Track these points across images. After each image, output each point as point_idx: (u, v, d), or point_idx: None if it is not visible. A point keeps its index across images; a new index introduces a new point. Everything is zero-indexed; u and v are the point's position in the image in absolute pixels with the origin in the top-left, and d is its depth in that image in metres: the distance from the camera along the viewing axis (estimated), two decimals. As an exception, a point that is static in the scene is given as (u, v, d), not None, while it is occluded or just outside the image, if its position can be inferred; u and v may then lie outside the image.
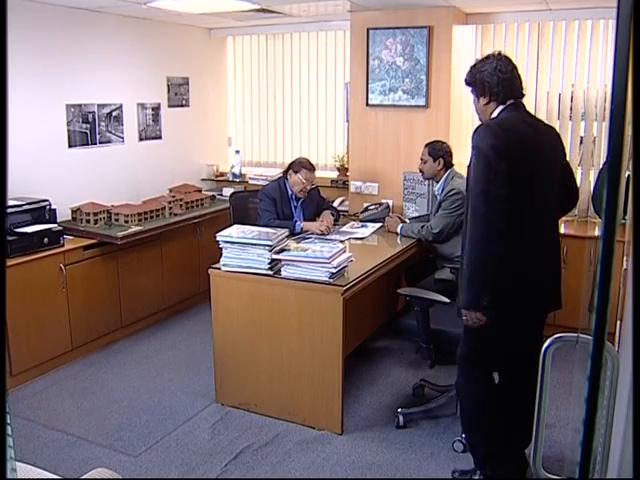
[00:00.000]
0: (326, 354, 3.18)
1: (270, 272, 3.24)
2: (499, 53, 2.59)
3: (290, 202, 4.20)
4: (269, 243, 3.22)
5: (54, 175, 4.36)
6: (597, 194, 2.82)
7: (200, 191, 5.38)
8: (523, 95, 2.59)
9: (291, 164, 4.17)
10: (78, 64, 4.50)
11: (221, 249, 3.36)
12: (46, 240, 3.86)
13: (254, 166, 5.98)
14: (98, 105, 4.68)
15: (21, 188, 3.99)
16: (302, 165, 4.10)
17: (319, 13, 4.81)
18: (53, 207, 4.04)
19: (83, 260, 4.11)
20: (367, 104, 4.78)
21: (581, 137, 4.59)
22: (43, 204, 3.98)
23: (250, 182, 5.62)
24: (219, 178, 5.87)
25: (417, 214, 4.43)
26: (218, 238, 3.34)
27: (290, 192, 4.18)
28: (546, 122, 2.80)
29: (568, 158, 2.82)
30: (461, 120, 4.70)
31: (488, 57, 2.57)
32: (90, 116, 4.62)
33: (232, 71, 5.98)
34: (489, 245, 2.32)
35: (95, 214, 4.35)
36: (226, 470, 2.95)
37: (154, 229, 4.48)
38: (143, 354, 4.27)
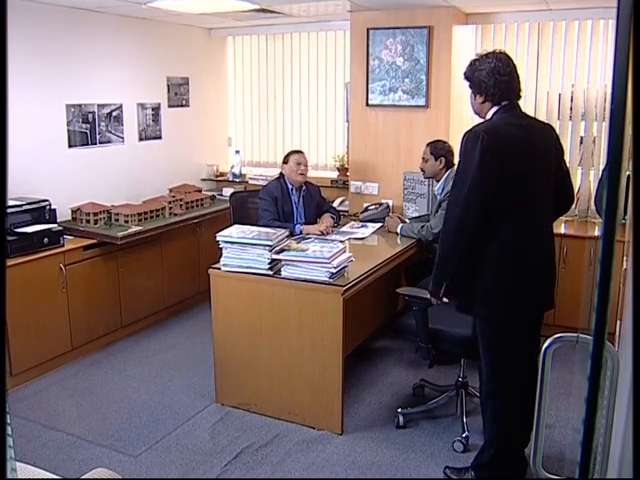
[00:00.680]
0: (326, 354, 3.18)
1: (270, 272, 3.24)
2: (499, 52, 2.58)
3: (291, 198, 4.23)
4: (269, 243, 3.22)
5: (54, 175, 4.36)
6: (599, 195, 2.83)
7: (200, 191, 5.38)
8: (520, 96, 2.59)
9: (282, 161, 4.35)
10: (78, 64, 4.50)
11: (221, 249, 3.36)
12: (46, 240, 3.86)
13: (254, 166, 5.98)
14: (98, 105, 4.68)
15: (21, 188, 3.99)
16: (288, 153, 4.30)
17: (319, 13, 4.81)
18: (53, 207, 4.04)
19: (83, 260, 4.11)
20: (367, 104, 4.78)
21: (581, 137, 4.59)
22: (43, 204, 3.98)
23: (250, 182, 5.63)
24: (219, 178, 5.87)
25: (417, 214, 4.43)
26: (218, 238, 3.34)
27: (290, 186, 4.22)
28: (545, 122, 2.80)
29: (568, 159, 2.82)
30: (461, 120, 4.70)
31: (488, 55, 2.57)
32: (90, 116, 4.62)
33: (232, 71, 5.98)
34: (454, 248, 2.49)
35: (95, 214, 4.35)
36: (226, 470, 2.95)
37: (154, 229, 4.48)
38: (143, 354, 4.27)
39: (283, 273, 3.22)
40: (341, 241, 3.83)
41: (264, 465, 2.99)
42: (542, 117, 4.49)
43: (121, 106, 4.89)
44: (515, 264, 2.47)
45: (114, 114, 4.83)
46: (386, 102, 4.71)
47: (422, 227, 3.96)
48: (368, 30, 4.65)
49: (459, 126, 4.69)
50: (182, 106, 5.52)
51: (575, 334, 1.59)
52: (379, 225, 4.35)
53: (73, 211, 4.42)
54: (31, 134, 4.18)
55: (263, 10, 4.47)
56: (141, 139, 5.13)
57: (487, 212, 2.41)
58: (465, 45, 4.66)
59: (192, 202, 5.04)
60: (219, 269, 3.39)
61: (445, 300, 2.66)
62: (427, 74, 4.52)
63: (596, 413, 1.03)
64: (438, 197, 3.96)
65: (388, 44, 4.62)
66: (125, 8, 4.41)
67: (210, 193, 5.35)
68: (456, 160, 4.02)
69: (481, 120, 2.63)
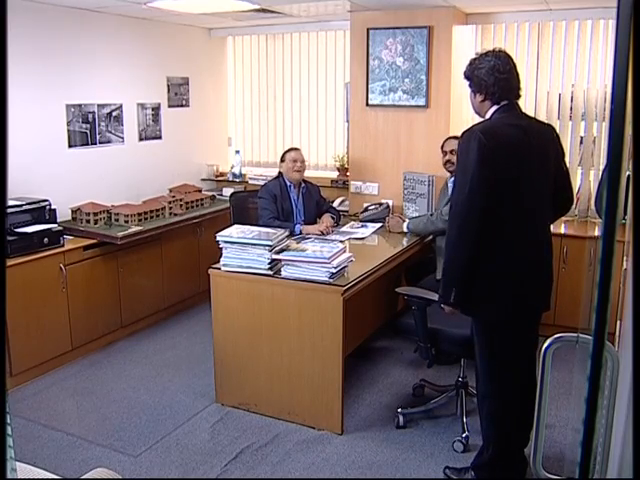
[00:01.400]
0: (326, 354, 3.18)
1: (270, 272, 3.25)
2: (499, 51, 2.58)
3: (290, 197, 4.24)
4: (269, 243, 3.22)
5: (54, 175, 4.36)
6: (599, 196, 2.82)
7: (200, 191, 5.38)
8: (519, 96, 2.58)
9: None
10: (78, 64, 4.50)
11: (221, 249, 3.36)
12: (46, 240, 3.86)
13: (254, 166, 5.98)
14: (98, 105, 4.68)
15: (21, 188, 3.99)
16: (285, 151, 4.32)
17: (319, 13, 4.81)
18: (53, 207, 4.04)
19: (83, 260, 4.11)
20: (367, 104, 4.78)
21: (581, 137, 4.59)
22: (43, 204, 3.98)
23: (250, 182, 5.63)
24: (219, 178, 5.87)
25: (417, 214, 4.42)
26: (218, 238, 3.34)
27: (289, 184, 4.23)
28: (546, 122, 2.80)
29: (568, 159, 2.81)
30: (461, 120, 4.70)
31: (487, 54, 2.57)
32: (90, 116, 4.62)
33: (232, 71, 5.98)
34: (459, 251, 2.47)
35: (95, 214, 4.35)
36: (226, 470, 2.95)
37: (154, 229, 4.48)
38: (143, 354, 4.27)
39: (283, 273, 3.22)
40: (341, 241, 3.83)
41: (264, 465, 2.99)
42: (542, 117, 4.49)
43: (121, 106, 4.89)
44: (511, 264, 2.46)
45: (114, 114, 4.83)
46: (386, 102, 4.71)
47: (431, 215, 3.91)
48: (368, 30, 4.65)
49: (459, 126, 4.68)
50: (182, 106, 5.52)
51: (575, 334, 1.60)
52: (379, 225, 4.35)
53: (73, 211, 4.42)
54: (31, 134, 4.18)
55: (263, 10, 4.47)
56: (141, 139, 5.13)
57: (488, 211, 2.40)
58: (465, 45, 4.66)
59: (192, 202, 5.04)
60: (219, 269, 3.39)
61: (454, 309, 2.57)
62: (427, 74, 4.51)
63: (596, 413, 1.03)
64: (450, 190, 3.85)
65: (388, 44, 4.62)
66: (125, 8, 4.41)
67: (210, 193, 5.35)
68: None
69: (481, 120, 2.63)
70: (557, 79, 4.58)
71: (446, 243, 2.54)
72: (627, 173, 1.03)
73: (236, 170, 5.78)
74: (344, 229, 4.29)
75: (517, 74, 2.56)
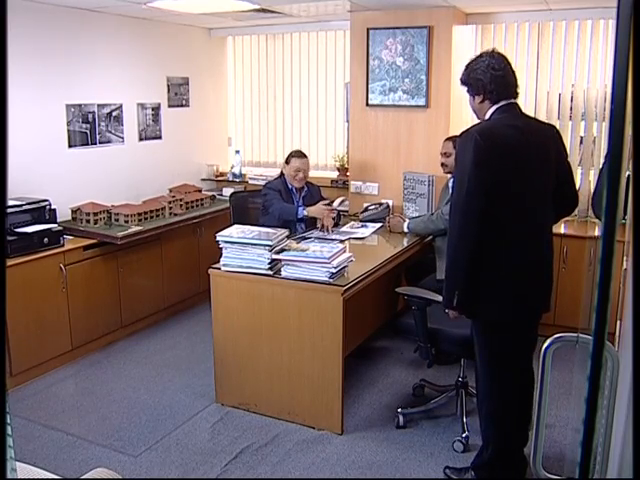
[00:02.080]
0: (326, 354, 3.18)
1: (270, 272, 3.25)
2: (492, 50, 2.58)
3: (292, 197, 4.25)
4: (269, 243, 3.22)
5: (54, 175, 4.36)
6: (597, 196, 2.81)
7: (200, 191, 5.38)
8: (517, 94, 2.58)
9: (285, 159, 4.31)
10: (78, 64, 4.50)
11: (221, 249, 3.36)
12: (46, 240, 3.86)
13: (254, 166, 5.98)
14: (98, 105, 4.68)
15: (21, 188, 3.99)
16: (291, 155, 4.26)
17: (319, 13, 4.81)
18: (53, 207, 4.04)
19: (83, 260, 4.11)
20: (367, 104, 4.78)
21: (581, 137, 4.59)
22: (43, 204, 3.98)
23: (250, 182, 5.63)
24: (219, 178, 5.87)
25: (417, 214, 4.42)
26: (218, 238, 3.34)
27: (290, 186, 4.25)
28: (547, 122, 2.79)
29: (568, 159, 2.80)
30: (461, 120, 4.70)
31: (481, 55, 2.57)
32: (90, 116, 4.62)
33: (232, 71, 5.98)
34: (460, 252, 2.45)
35: (95, 214, 4.35)
36: (226, 470, 2.95)
37: (154, 229, 4.48)
38: (143, 354, 4.27)
39: (283, 273, 3.22)
40: (341, 241, 3.84)
41: (264, 465, 2.99)
42: (542, 117, 4.49)
43: (121, 106, 4.89)
44: (511, 265, 2.46)
45: (114, 114, 4.83)
46: (386, 102, 4.71)
47: (432, 214, 3.91)
48: (368, 30, 4.65)
49: (459, 126, 4.68)
50: (182, 106, 5.52)
51: (575, 334, 1.60)
52: (379, 225, 4.35)
53: (73, 211, 4.42)
54: (31, 134, 4.18)
55: (263, 10, 4.47)
56: (141, 139, 5.12)
57: (487, 212, 2.40)
58: (465, 45, 4.66)
59: (192, 202, 5.04)
60: (219, 269, 3.39)
61: (458, 313, 2.56)
62: (427, 74, 4.51)
63: (596, 413, 1.03)
64: (450, 191, 3.86)
65: (388, 44, 4.62)
66: (125, 8, 4.41)
67: (210, 193, 5.35)
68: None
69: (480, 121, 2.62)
70: (557, 79, 4.58)
71: (448, 245, 2.53)
72: (627, 173, 1.03)
73: (236, 170, 5.78)
74: (344, 229, 4.29)
75: (513, 72, 2.55)
